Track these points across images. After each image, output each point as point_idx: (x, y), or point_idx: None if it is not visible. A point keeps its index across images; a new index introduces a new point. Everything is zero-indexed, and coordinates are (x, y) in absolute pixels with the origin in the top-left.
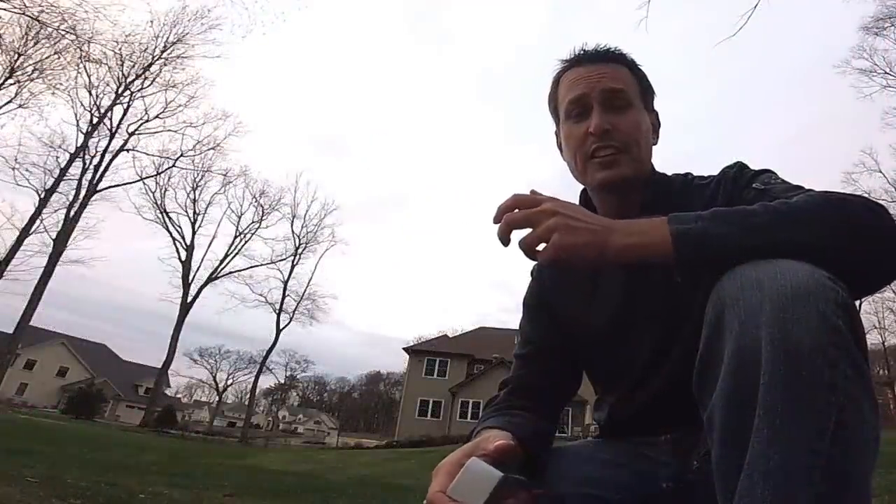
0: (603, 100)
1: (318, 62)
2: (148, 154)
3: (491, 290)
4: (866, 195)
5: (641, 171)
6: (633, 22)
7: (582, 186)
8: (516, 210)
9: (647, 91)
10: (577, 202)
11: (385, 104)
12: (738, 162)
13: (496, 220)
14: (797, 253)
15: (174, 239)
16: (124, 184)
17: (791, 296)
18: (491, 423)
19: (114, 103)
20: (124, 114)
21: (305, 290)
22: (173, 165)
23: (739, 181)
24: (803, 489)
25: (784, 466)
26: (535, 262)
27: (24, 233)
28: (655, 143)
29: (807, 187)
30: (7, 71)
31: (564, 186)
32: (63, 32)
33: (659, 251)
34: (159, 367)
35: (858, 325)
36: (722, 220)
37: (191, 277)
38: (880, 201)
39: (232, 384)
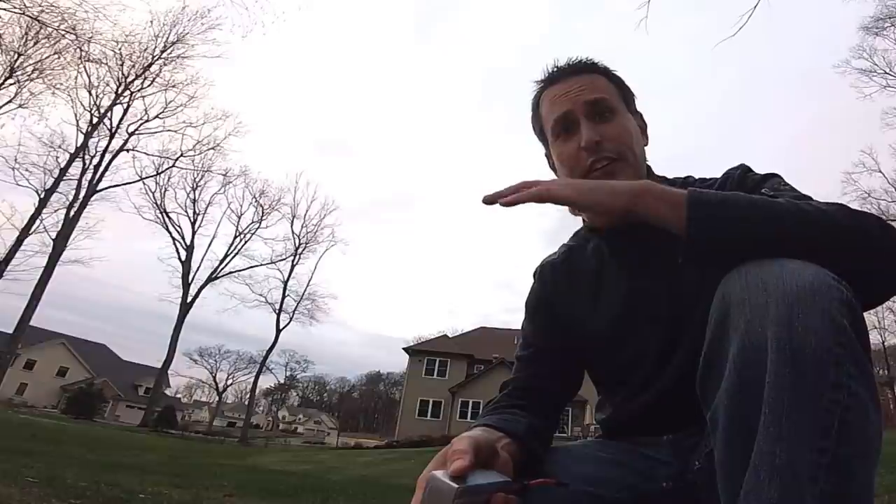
0: (587, 112)
1: (321, 62)
2: (148, 154)
3: (495, 291)
4: (867, 195)
5: (639, 175)
6: (636, 22)
7: None
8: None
9: (627, 94)
10: (580, 221)
11: (389, 104)
12: (742, 164)
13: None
14: (810, 250)
15: (174, 239)
16: (124, 184)
17: (797, 295)
18: (485, 421)
19: (114, 103)
20: (124, 114)
21: (305, 290)
22: (173, 165)
23: (745, 184)
24: (809, 486)
25: (790, 464)
26: (538, 264)
27: (24, 233)
28: (646, 144)
29: (814, 198)
30: (7, 71)
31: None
32: (63, 32)
33: (674, 210)
34: (159, 367)
35: (862, 324)
36: (742, 200)
37: (191, 277)
38: (880, 201)
39: (232, 384)
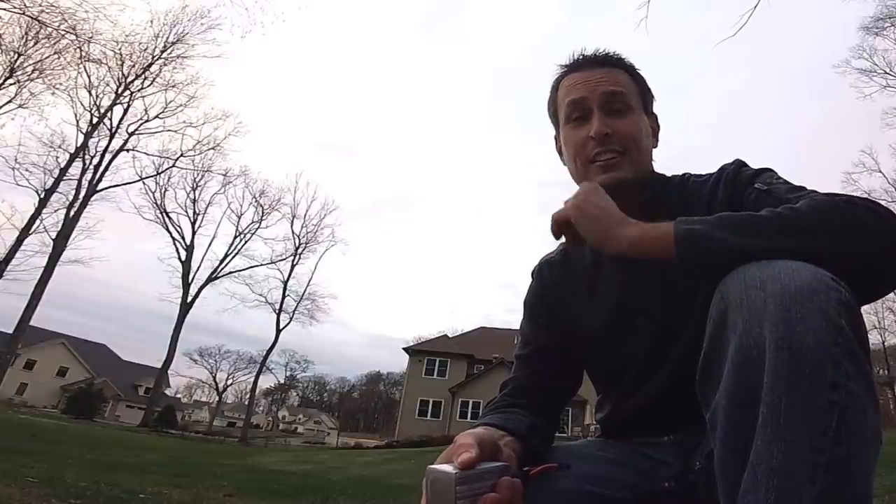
0: (602, 103)
1: (323, 61)
2: (148, 154)
3: (496, 291)
4: (867, 195)
5: (641, 172)
6: (636, 22)
7: None
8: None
9: (646, 95)
10: None
11: (390, 105)
12: (736, 160)
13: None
14: (802, 254)
15: (174, 239)
16: (124, 184)
17: (794, 295)
18: (486, 420)
19: (114, 103)
20: (124, 114)
21: (305, 290)
22: (173, 165)
23: (740, 179)
24: (807, 486)
25: (788, 464)
26: (536, 263)
27: (24, 233)
28: (655, 147)
29: (809, 188)
30: (7, 71)
31: (571, 187)
32: (63, 32)
33: (661, 247)
34: (159, 367)
35: (861, 324)
36: (726, 224)
37: (191, 277)
38: (880, 201)
39: (232, 384)
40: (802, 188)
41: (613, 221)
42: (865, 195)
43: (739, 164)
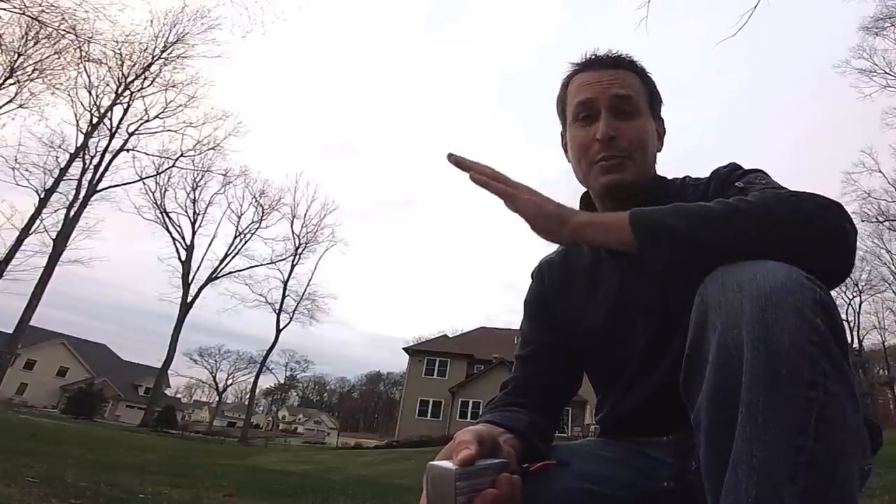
0: (611, 106)
1: (324, 62)
2: (148, 154)
3: (498, 291)
4: (867, 195)
5: (643, 176)
6: (636, 22)
7: (584, 189)
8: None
9: (654, 98)
10: (577, 205)
11: (393, 104)
12: (731, 163)
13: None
14: (748, 247)
15: (174, 239)
16: (124, 184)
17: (770, 295)
18: (486, 418)
19: (114, 103)
20: (124, 114)
21: (305, 290)
22: (173, 165)
23: (729, 181)
24: (787, 485)
25: (767, 462)
26: (536, 264)
27: (24, 233)
28: (660, 150)
29: (791, 189)
30: (7, 71)
31: (573, 188)
32: (63, 32)
33: (618, 234)
34: (159, 367)
35: (838, 323)
36: (678, 213)
37: (191, 277)
38: (880, 201)
39: (232, 384)
40: (780, 187)
41: (560, 216)
42: (865, 195)
43: (732, 168)
